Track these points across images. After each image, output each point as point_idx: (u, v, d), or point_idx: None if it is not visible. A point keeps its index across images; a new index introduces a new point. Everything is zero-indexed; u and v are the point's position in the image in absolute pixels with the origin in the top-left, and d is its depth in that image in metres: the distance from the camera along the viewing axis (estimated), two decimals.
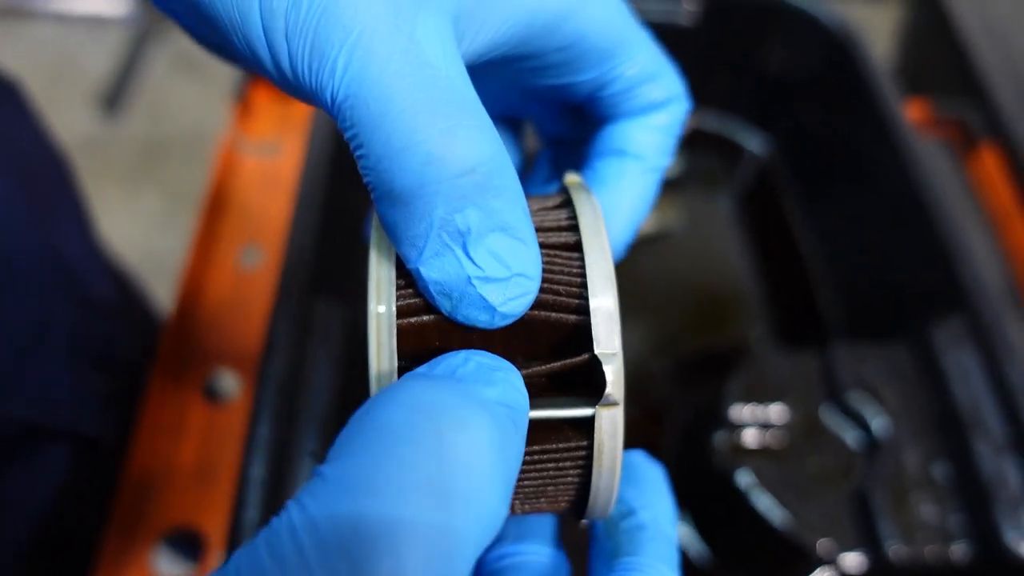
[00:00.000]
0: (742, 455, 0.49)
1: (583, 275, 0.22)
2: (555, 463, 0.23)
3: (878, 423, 0.50)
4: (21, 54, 1.95)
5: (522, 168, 0.32)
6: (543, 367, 0.23)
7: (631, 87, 0.27)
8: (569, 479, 0.24)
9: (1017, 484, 0.46)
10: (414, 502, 0.16)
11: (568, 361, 0.22)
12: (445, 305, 0.21)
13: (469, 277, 0.21)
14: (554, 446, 0.23)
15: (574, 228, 0.23)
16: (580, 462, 0.23)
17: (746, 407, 0.50)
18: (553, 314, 0.22)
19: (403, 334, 0.22)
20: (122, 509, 0.52)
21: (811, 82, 0.68)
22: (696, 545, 0.52)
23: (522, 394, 0.21)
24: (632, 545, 0.25)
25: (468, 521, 0.16)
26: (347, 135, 0.20)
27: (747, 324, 0.66)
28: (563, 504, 0.25)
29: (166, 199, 1.73)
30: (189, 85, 1.92)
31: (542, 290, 0.22)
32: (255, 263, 0.64)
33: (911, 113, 0.76)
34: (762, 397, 0.51)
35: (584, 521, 0.26)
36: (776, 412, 0.50)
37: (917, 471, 0.48)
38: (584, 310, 0.22)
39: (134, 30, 1.97)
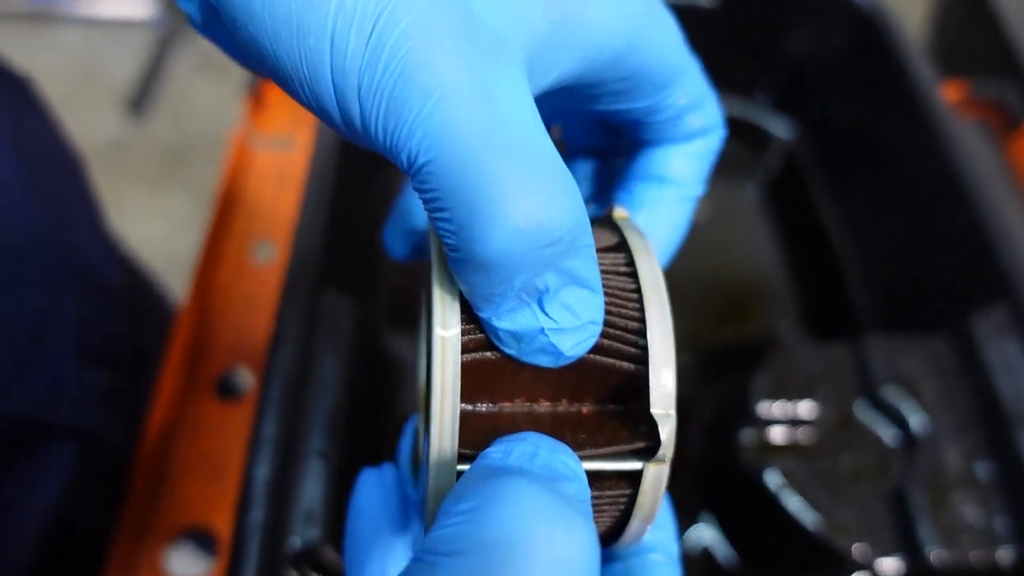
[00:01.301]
0: (770, 454, 0.46)
1: (642, 323, 0.22)
2: (595, 506, 0.24)
3: (916, 419, 0.47)
4: (50, 58, 1.97)
5: None
6: (587, 411, 0.23)
7: (679, 115, 0.26)
8: (604, 518, 0.24)
9: None
10: None
11: (611, 406, 0.23)
12: (512, 347, 0.22)
13: (543, 328, 0.21)
14: (598, 493, 0.23)
15: (632, 275, 0.24)
16: (620, 506, 0.24)
17: (775, 403, 0.48)
18: (607, 359, 0.22)
19: (463, 370, 0.22)
20: (133, 508, 0.51)
21: (839, 64, 0.65)
22: (723, 548, 0.50)
23: (584, 480, 0.21)
24: (644, 570, 0.25)
25: None
26: (425, 196, 0.19)
27: (775, 316, 0.63)
28: None
29: (191, 198, 1.74)
30: (212, 86, 1.93)
31: (601, 333, 0.23)
32: (269, 258, 0.63)
33: (946, 94, 0.72)
34: (791, 392, 0.48)
35: None
36: (806, 408, 0.48)
37: (959, 470, 0.45)
38: (639, 359, 0.22)
39: (159, 32, 1.99)
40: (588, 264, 0.21)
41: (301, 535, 0.40)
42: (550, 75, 0.22)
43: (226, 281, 0.62)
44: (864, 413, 0.48)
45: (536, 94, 0.22)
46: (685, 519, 0.51)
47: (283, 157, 0.69)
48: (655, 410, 0.22)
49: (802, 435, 0.47)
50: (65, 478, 0.42)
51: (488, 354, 0.22)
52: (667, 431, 0.22)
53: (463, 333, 0.22)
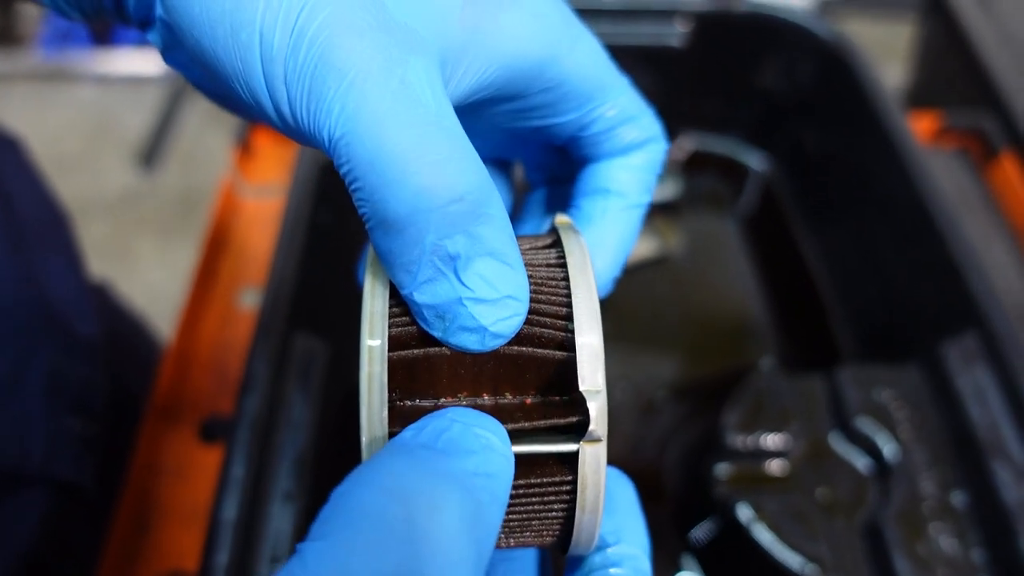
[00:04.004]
0: (743, 487, 0.46)
1: (570, 311, 0.23)
2: (540, 497, 0.24)
3: (890, 449, 0.47)
4: (66, 114, 2.03)
5: (512, 207, 0.33)
6: (530, 402, 0.23)
7: (610, 128, 0.28)
8: (554, 513, 0.24)
9: None
10: None
11: (555, 397, 0.23)
12: (438, 328, 0.22)
13: (460, 298, 0.22)
14: (539, 480, 0.23)
15: (562, 266, 0.24)
16: (565, 496, 0.24)
17: (748, 436, 0.48)
18: (540, 349, 0.23)
19: (394, 367, 0.23)
20: (115, 553, 0.52)
21: (809, 97, 0.66)
22: None
23: (504, 454, 0.21)
24: None
25: None
26: (343, 170, 0.21)
27: (755, 350, 0.63)
28: (548, 538, 0.25)
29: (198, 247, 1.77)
30: (221, 139, 1.97)
31: (531, 323, 0.23)
32: (254, 304, 0.64)
33: (925, 125, 0.73)
34: (765, 425, 0.48)
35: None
36: (780, 441, 0.48)
37: (934, 500, 0.45)
38: (570, 345, 0.23)
39: (170, 88, 2.05)
40: (499, 235, 0.22)
41: None
42: (469, 79, 0.23)
43: (212, 327, 0.63)
44: (838, 445, 0.48)
45: (460, 99, 0.24)
46: (668, 565, 0.51)
47: (270, 205, 0.71)
48: (583, 386, 0.22)
49: (776, 468, 0.47)
50: (38, 523, 0.43)
51: (417, 351, 0.23)
52: (596, 406, 0.22)
53: (392, 327, 0.23)
